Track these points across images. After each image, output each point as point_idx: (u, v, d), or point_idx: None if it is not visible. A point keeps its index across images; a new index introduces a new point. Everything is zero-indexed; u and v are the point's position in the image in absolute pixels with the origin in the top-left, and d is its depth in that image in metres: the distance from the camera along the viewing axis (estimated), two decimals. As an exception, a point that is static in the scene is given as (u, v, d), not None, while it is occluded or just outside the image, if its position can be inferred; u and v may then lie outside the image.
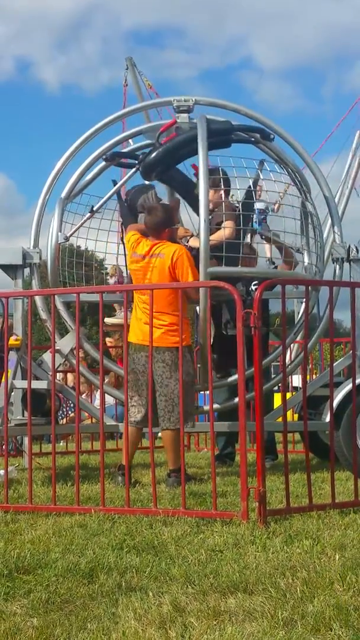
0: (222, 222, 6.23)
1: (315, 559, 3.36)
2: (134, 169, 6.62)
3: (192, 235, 6.54)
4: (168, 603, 2.79)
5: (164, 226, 5.87)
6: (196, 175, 6.56)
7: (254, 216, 6.49)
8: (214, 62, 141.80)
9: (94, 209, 6.55)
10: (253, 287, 6.68)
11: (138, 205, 6.60)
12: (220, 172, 6.46)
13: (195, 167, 6.69)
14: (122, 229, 7.04)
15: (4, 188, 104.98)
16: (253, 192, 6.54)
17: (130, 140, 7.56)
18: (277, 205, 7.18)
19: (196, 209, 6.32)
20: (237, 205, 6.64)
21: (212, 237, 5.99)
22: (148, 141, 7.16)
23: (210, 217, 6.13)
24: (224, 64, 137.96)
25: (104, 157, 6.85)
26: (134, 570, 3.27)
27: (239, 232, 6.24)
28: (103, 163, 6.95)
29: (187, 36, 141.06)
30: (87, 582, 3.12)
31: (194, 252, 5.97)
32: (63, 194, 6.72)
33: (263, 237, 6.73)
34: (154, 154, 6.44)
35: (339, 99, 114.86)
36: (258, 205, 6.51)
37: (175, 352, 5.51)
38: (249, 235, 6.72)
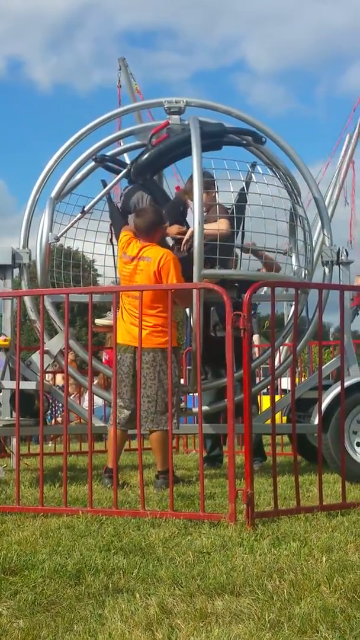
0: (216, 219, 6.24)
1: (302, 561, 3.36)
2: (124, 170, 6.62)
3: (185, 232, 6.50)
4: (155, 605, 2.79)
5: (153, 228, 5.87)
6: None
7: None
8: (207, 64, 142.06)
9: (85, 209, 6.54)
10: None
11: (130, 204, 6.60)
12: (211, 175, 6.46)
13: (178, 189, 6.78)
14: (111, 230, 7.03)
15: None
16: (245, 195, 6.54)
17: (120, 141, 7.56)
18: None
19: (172, 217, 6.36)
20: (229, 207, 6.65)
21: (206, 227, 5.97)
22: (138, 142, 7.17)
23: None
24: (216, 65, 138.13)
25: (93, 157, 6.84)
26: (121, 571, 3.27)
27: (232, 234, 6.25)
28: (93, 163, 6.94)
29: (180, 37, 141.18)
30: (74, 584, 3.11)
31: (190, 245, 5.99)
32: (53, 194, 6.70)
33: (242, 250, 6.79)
34: (145, 156, 6.44)
35: (332, 101, 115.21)
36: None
37: (160, 353, 5.52)
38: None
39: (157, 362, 5.56)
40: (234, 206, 6.60)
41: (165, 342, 5.39)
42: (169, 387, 4.96)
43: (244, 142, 6.77)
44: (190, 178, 6.24)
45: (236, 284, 6.58)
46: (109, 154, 7.16)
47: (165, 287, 5.49)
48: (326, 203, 7.35)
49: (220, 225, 6.17)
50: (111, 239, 7.02)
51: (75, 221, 6.58)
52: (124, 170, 6.61)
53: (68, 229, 6.59)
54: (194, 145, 6.03)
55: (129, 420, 5.64)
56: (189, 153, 6.12)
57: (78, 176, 6.92)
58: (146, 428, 5.62)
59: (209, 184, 6.37)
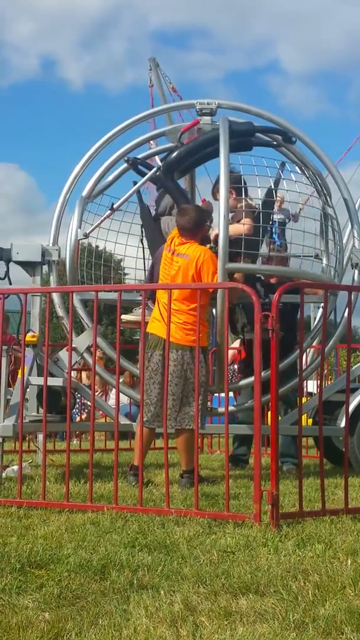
0: (241, 220, 6.23)
1: (327, 563, 3.35)
2: (153, 170, 6.63)
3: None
4: (179, 602, 2.80)
5: (196, 227, 5.89)
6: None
7: (273, 228, 6.51)
8: (240, 64, 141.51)
9: (114, 206, 6.56)
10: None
11: (163, 206, 6.63)
12: (243, 182, 6.44)
13: (204, 201, 6.79)
14: (142, 231, 7.07)
15: (25, 186, 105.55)
16: (274, 192, 6.50)
17: (152, 142, 7.60)
18: (300, 210, 7.16)
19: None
20: (257, 207, 6.63)
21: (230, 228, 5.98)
22: (170, 144, 7.20)
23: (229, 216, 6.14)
24: (249, 66, 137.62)
25: (125, 158, 6.87)
26: (145, 568, 3.28)
27: (258, 229, 6.21)
28: (125, 165, 6.98)
29: (213, 37, 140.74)
30: (99, 579, 3.13)
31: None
32: (84, 193, 6.75)
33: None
34: (175, 154, 6.45)
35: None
36: (276, 217, 6.50)
37: (188, 351, 5.52)
38: (265, 244, 6.72)
39: (185, 361, 5.57)
40: (260, 203, 6.56)
41: (194, 341, 5.40)
42: (196, 386, 4.96)
43: (274, 142, 6.75)
44: (218, 178, 6.24)
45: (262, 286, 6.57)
46: (140, 156, 7.20)
47: (193, 286, 5.49)
48: (357, 205, 7.28)
49: (245, 227, 6.14)
50: (141, 240, 7.05)
51: (105, 218, 6.61)
52: (153, 170, 6.62)
53: (97, 225, 6.62)
54: (221, 142, 6.02)
55: (155, 417, 5.66)
56: (219, 152, 6.12)
57: (110, 177, 6.98)
58: (170, 426, 5.63)
59: (235, 182, 6.34)
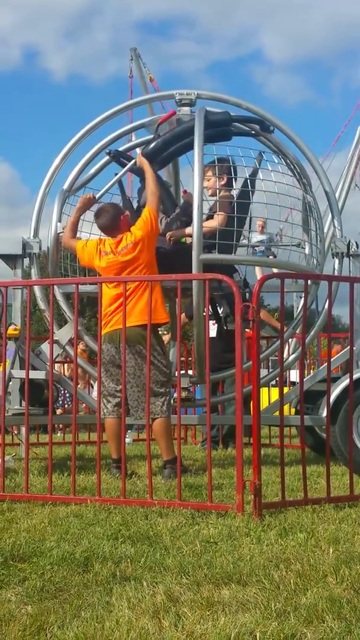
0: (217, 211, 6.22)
1: (309, 552, 3.37)
2: (132, 162, 6.61)
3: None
4: (162, 593, 2.81)
5: (115, 220, 5.94)
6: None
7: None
8: (223, 54, 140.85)
9: (96, 197, 6.54)
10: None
11: (143, 197, 6.61)
12: (230, 161, 6.43)
13: (185, 192, 6.79)
14: None
15: (9, 178, 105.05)
16: (250, 182, 6.47)
17: (132, 134, 7.57)
18: (281, 230, 7.16)
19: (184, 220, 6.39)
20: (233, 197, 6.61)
21: (204, 224, 5.98)
22: (150, 136, 7.17)
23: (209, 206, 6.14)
24: (233, 55, 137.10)
25: (106, 151, 6.84)
26: (128, 560, 3.29)
27: (233, 220, 6.19)
28: (106, 158, 6.95)
29: (197, 26, 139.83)
30: (82, 571, 3.14)
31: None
32: (65, 186, 6.72)
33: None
34: (152, 145, 6.43)
35: (348, 92, 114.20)
36: (259, 237, 6.47)
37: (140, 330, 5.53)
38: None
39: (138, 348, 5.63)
40: (237, 193, 6.54)
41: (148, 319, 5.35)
42: (147, 366, 5.00)
43: (253, 131, 6.75)
44: (212, 169, 6.24)
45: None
46: (122, 148, 7.17)
47: (174, 277, 5.48)
48: (337, 195, 7.30)
49: (218, 218, 6.13)
50: None
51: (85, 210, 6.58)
52: (132, 162, 6.60)
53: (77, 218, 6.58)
54: (196, 131, 6.00)
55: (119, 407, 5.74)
56: None
57: (92, 170, 6.94)
58: (139, 416, 5.73)
59: (224, 170, 6.34)
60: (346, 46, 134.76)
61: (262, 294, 5.64)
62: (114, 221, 5.94)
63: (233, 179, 6.43)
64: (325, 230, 7.01)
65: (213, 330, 7.35)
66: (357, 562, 3.18)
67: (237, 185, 6.52)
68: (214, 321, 7.22)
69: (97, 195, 6.56)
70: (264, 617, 2.56)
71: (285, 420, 5.10)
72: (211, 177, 6.25)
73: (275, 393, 9.87)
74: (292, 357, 6.85)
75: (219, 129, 6.30)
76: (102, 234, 6.15)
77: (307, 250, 6.72)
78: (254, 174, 6.49)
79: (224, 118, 6.43)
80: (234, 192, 6.51)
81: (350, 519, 4.09)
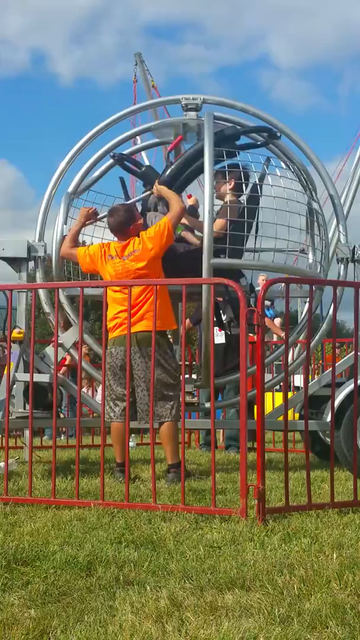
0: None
1: (313, 558, 3.36)
2: (147, 192, 6.62)
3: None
4: (165, 597, 2.80)
5: (127, 225, 5.92)
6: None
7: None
8: (231, 58, 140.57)
9: (97, 213, 6.59)
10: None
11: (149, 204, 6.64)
12: (240, 166, 6.44)
13: (190, 197, 6.82)
14: None
15: (15, 181, 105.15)
16: (258, 187, 6.49)
17: (137, 138, 7.59)
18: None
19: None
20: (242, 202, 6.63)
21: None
22: (155, 140, 7.19)
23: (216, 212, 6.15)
24: (240, 59, 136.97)
25: (111, 154, 6.86)
26: (132, 564, 3.28)
27: (241, 225, 6.19)
28: (110, 161, 6.96)
29: (205, 31, 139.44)
30: (85, 575, 3.13)
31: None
32: (70, 189, 6.74)
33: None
34: (167, 173, 6.45)
35: (355, 97, 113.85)
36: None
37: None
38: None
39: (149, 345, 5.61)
40: (245, 198, 6.54)
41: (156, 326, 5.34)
42: (151, 371, 5.01)
43: (258, 142, 6.75)
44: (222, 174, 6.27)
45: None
46: (126, 151, 7.19)
47: (179, 281, 5.49)
48: (342, 200, 7.30)
49: (216, 224, 6.13)
50: None
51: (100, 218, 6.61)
52: (147, 193, 6.63)
53: (91, 223, 6.63)
54: (205, 135, 6.01)
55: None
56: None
57: (96, 173, 6.96)
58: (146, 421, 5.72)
59: (239, 175, 6.34)
60: (354, 51, 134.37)
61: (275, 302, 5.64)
62: (125, 224, 5.92)
63: (243, 184, 6.43)
64: (330, 235, 7.01)
65: (221, 336, 7.35)
66: (361, 568, 3.17)
67: (246, 191, 6.52)
68: (219, 327, 7.22)
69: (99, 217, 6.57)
70: (268, 622, 2.55)
71: (289, 425, 5.09)
72: (220, 181, 6.28)
73: (279, 398, 9.86)
74: (296, 362, 6.84)
75: (226, 148, 6.28)
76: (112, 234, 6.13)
77: (311, 256, 6.72)
78: (260, 179, 6.50)
79: (233, 133, 6.44)
80: (243, 198, 6.52)
81: (354, 525, 4.08)
